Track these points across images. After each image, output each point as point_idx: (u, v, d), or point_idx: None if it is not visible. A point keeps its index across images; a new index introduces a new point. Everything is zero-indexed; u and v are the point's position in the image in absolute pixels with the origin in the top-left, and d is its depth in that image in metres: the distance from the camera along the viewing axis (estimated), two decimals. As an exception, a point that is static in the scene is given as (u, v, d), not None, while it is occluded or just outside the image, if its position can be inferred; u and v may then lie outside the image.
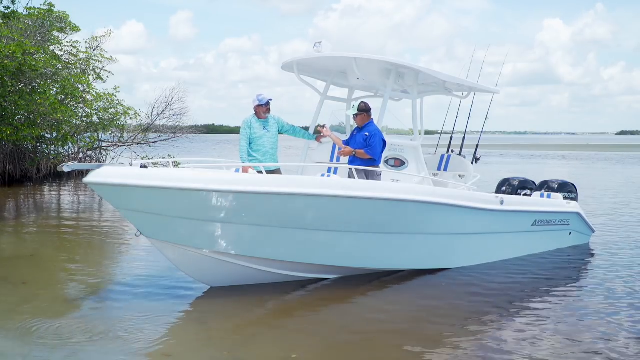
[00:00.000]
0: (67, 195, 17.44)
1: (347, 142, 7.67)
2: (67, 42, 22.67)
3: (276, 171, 7.76)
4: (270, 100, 7.81)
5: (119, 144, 23.50)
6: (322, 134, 8.10)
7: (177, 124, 24.14)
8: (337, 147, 7.72)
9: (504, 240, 8.72)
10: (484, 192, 8.75)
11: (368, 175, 7.24)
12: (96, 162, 22.60)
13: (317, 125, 8.84)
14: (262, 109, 7.80)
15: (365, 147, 7.32)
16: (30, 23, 20.51)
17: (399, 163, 8.26)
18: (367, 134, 7.39)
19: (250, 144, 7.77)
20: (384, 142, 7.49)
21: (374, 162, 7.35)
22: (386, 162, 8.14)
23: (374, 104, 7.85)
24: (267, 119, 7.86)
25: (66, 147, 22.13)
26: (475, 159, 10.01)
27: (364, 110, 7.52)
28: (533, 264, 8.70)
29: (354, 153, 7.37)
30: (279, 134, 8.06)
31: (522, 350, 5.18)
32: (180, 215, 6.01)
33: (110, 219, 12.41)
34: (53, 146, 21.51)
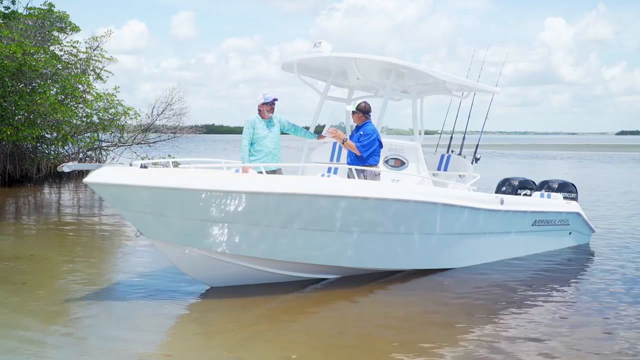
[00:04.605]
0: (67, 195, 17.44)
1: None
2: (67, 42, 22.68)
3: (277, 171, 7.77)
4: (276, 100, 7.83)
5: (119, 144, 23.47)
6: (324, 134, 8.18)
7: (177, 124, 24.11)
8: (327, 131, 7.76)
9: (504, 240, 8.72)
10: (484, 192, 8.74)
11: (367, 175, 7.25)
12: (96, 162, 22.58)
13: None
14: (267, 108, 7.80)
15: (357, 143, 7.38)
16: (30, 23, 20.50)
17: (399, 163, 8.26)
18: (361, 132, 7.46)
19: (253, 144, 7.77)
20: (380, 143, 7.50)
21: (366, 161, 7.36)
22: (386, 162, 8.14)
23: (374, 104, 7.86)
24: (270, 119, 7.87)
25: (66, 147, 22.11)
26: (475, 159, 10.01)
27: (362, 110, 7.54)
28: (533, 264, 8.70)
29: (344, 139, 7.37)
30: (281, 132, 8.07)
31: (522, 350, 5.18)
32: (180, 215, 6.01)
33: (110, 219, 12.42)
34: (53, 146, 21.49)
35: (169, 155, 21.78)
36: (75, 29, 23.33)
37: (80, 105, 21.62)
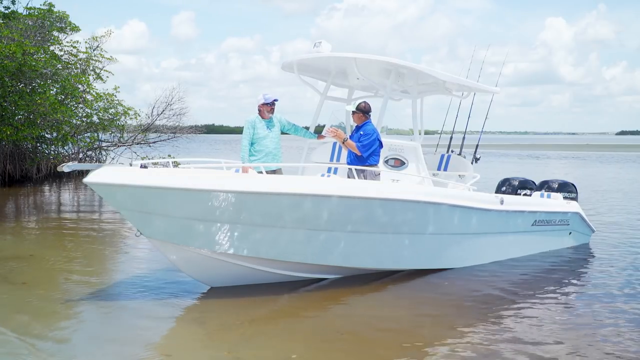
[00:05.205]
0: (67, 195, 17.44)
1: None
2: (67, 42, 22.68)
3: (277, 171, 7.77)
4: (276, 100, 7.83)
5: (119, 144, 23.46)
6: (324, 134, 8.18)
7: (177, 124, 24.11)
8: (327, 130, 7.77)
9: (504, 240, 8.72)
10: (484, 192, 8.75)
11: (367, 175, 7.25)
12: (96, 162, 22.57)
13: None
14: (267, 108, 7.80)
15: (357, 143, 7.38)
16: (30, 23, 20.49)
17: (399, 163, 8.26)
18: (361, 132, 7.46)
19: (253, 144, 7.77)
20: (380, 143, 7.50)
21: (366, 161, 7.36)
22: (386, 162, 8.14)
23: (374, 104, 7.86)
24: (270, 119, 7.87)
25: (66, 147, 22.10)
26: (475, 159, 10.01)
27: (362, 110, 7.54)
28: (533, 264, 8.70)
29: (345, 139, 7.37)
30: (281, 132, 8.08)
31: (522, 350, 5.18)
32: (180, 215, 6.01)
33: (110, 219, 12.41)
34: (53, 146, 21.49)
35: (169, 155, 21.78)
36: (75, 29, 23.32)
37: (80, 105, 21.62)
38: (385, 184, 7.21)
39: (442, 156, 10.10)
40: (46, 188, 18.91)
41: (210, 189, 5.90)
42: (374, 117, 7.74)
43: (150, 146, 24.13)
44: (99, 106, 22.02)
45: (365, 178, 7.20)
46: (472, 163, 9.85)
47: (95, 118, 22.15)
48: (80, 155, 22.43)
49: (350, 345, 5.33)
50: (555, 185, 10.21)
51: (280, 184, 6.22)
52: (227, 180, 6.03)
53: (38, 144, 21.13)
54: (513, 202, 8.76)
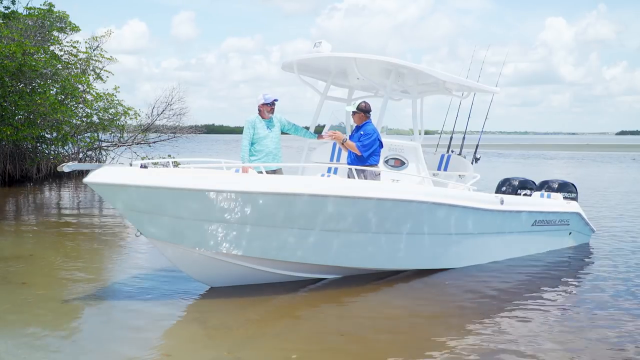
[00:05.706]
0: (67, 195, 17.44)
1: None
2: (67, 42, 22.68)
3: (277, 171, 7.77)
4: (276, 100, 7.83)
5: (119, 144, 23.47)
6: (324, 135, 8.18)
7: (177, 124, 24.11)
8: (326, 134, 7.77)
9: (504, 240, 8.72)
10: (484, 192, 8.75)
11: (367, 175, 7.25)
12: (96, 162, 22.57)
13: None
14: (267, 108, 7.80)
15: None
16: (30, 23, 20.50)
17: (399, 163, 8.26)
18: (362, 132, 7.46)
19: (253, 144, 7.77)
20: (380, 143, 7.50)
21: (366, 161, 7.36)
22: (386, 162, 8.15)
23: (374, 104, 7.86)
24: (270, 119, 7.87)
25: (66, 147, 22.11)
26: (475, 159, 10.01)
27: (363, 110, 7.54)
28: (533, 264, 8.70)
29: (344, 140, 7.37)
30: (281, 132, 8.08)
31: (522, 350, 5.18)
32: (180, 215, 6.01)
33: (110, 219, 12.41)
34: (53, 146, 21.50)
35: (169, 155, 21.78)
36: (75, 29, 23.33)
37: (80, 105, 21.63)
38: (385, 184, 7.21)
39: (442, 156, 10.10)
40: (46, 188, 18.91)
41: (210, 189, 5.90)
42: (374, 117, 7.75)
43: (150, 146, 24.13)
44: (99, 106, 22.03)
45: (365, 178, 7.20)
46: (472, 163, 9.85)
47: (95, 118, 22.16)
48: (80, 155, 22.44)
49: (350, 345, 5.33)
50: (555, 185, 10.21)
51: (280, 184, 6.22)
52: (227, 180, 6.02)
53: (38, 144, 21.14)
54: (513, 202, 8.76)
